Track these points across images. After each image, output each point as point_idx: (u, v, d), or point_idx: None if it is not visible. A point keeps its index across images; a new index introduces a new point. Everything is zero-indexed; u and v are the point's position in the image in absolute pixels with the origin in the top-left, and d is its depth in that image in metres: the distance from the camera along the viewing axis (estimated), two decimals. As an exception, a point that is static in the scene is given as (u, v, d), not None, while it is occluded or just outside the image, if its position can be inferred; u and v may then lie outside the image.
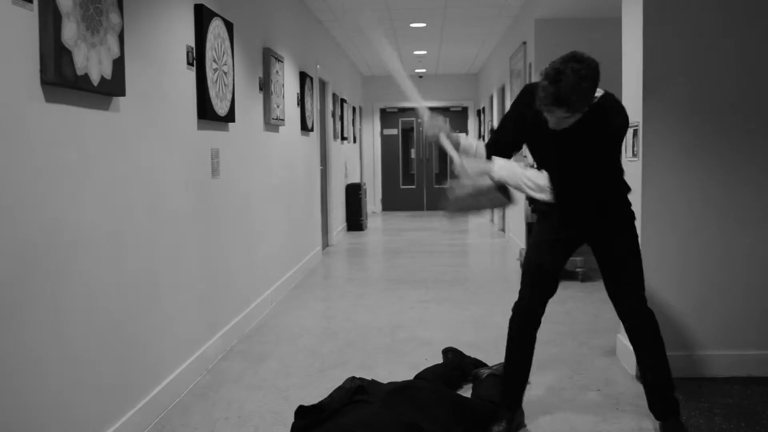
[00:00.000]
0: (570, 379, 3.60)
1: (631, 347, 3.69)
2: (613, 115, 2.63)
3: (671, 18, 3.53)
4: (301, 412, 2.81)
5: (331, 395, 2.89)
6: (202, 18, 3.79)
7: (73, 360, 2.49)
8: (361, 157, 13.42)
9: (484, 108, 12.20)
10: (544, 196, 2.72)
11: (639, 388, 3.44)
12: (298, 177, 6.73)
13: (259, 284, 5.07)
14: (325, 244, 8.69)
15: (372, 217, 13.11)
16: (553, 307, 5.25)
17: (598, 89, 2.58)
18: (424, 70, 13.34)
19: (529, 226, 6.16)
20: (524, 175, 2.74)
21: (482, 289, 5.99)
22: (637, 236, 2.87)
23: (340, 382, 3.25)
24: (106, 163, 2.74)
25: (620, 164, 2.82)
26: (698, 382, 3.50)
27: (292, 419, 3.06)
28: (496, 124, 10.11)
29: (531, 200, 2.99)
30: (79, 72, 2.44)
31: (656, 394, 2.88)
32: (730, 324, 3.61)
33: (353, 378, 2.94)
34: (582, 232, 2.90)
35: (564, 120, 2.56)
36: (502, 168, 2.75)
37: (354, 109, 12.06)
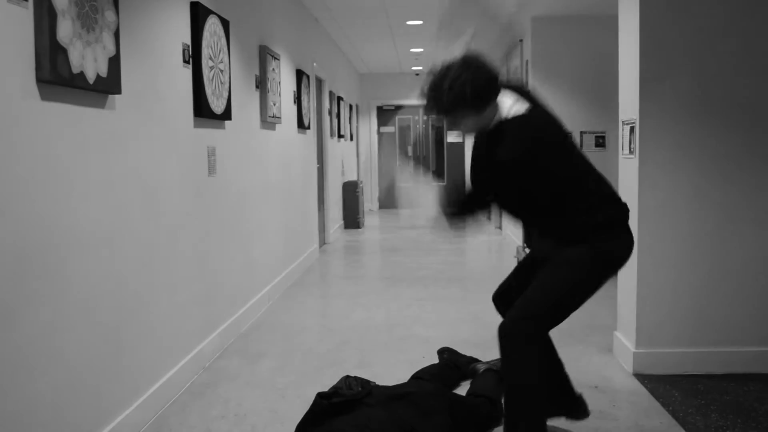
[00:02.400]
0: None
1: (628, 343, 3.71)
2: (504, 141, 2.38)
3: (668, 15, 3.53)
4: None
5: (336, 393, 2.82)
6: (198, 16, 3.78)
7: (70, 359, 2.48)
8: (358, 155, 13.41)
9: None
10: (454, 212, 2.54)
11: (636, 385, 3.45)
12: (295, 175, 6.72)
13: (255, 282, 5.07)
14: (322, 242, 8.69)
15: (369, 214, 13.11)
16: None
17: (517, 104, 2.42)
18: (420, 68, 13.33)
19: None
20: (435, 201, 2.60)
21: (479, 286, 5.99)
22: (572, 276, 2.48)
23: (337, 380, 3.25)
24: (102, 161, 2.74)
25: (556, 190, 2.47)
26: (695, 379, 3.51)
27: (289, 417, 3.07)
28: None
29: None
30: (75, 70, 2.43)
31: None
32: (727, 321, 3.61)
33: (347, 377, 2.92)
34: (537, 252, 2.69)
35: (452, 122, 2.46)
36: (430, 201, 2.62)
37: (351, 106, 12.05)
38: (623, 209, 2.58)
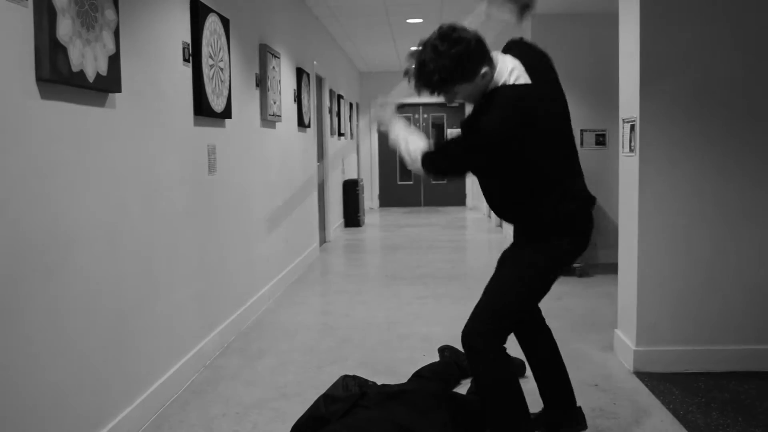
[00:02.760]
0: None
1: (628, 342, 3.72)
2: (490, 110, 2.30)
3: (668, 13, 3.53)
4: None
5: (333, 399, 2.80)
6: (198, 14, 3.78)
7: (71, 357, 2.48)
8: (358, 153, 13.41)
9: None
10: (415, 167, 2.48)
11: (637, 383, 3.46)
12: (295, 173, 6.72)
13: (256, 281, 5.07)
14: (323, 240, 8.69)
15: (369, 213, 13.11)
16: (550, 302, 5.26)
17: (516, 72, 2.34)
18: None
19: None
20: (406, 139, 2.53)
21: (480, 284, 5.95)
22: (524, 273, 2.49)
23: (337, 379, 3.25)
24: (103, 159, 2.74)
25: (528, 178, 2.40)
26: (695, 377, 3.51)
27: (290, 415, 3.07)
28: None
29: None
30: (75, 68, 2.43)
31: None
32: (727, 319, 3.61)
33: (346, 377, 2.92)
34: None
35: (446, 95, 2.38)
36: (398, 131, 2.59)
37: (351, 105, 12.05)
38: (586, 205, 2.53)
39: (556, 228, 2.45)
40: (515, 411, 2.43)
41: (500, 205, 2.59)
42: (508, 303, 2.50)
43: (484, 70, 2.31)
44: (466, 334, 2.50)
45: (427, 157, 2.45)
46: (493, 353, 2.44)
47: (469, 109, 2.65)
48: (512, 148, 2.31)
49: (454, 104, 2.47)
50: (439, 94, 2.36)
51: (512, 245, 2.66)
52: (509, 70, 2.35)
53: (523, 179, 2.42)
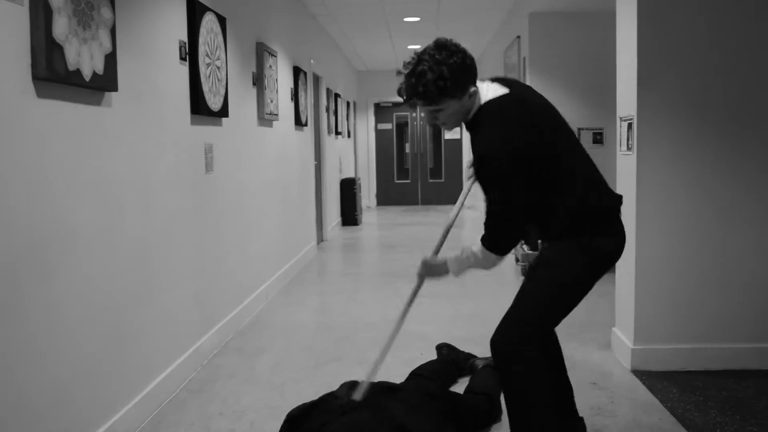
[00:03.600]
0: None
1: (626, 340, 3.72)
2: (479, 131, 2.30)
3: (665, 11, 3.53)
4: (290, 419, 2.72)
5: (333, 399, 2.77)
6: (195, 12, 3.77)
7: (69, 355, 2.48)
8: (355, 152, 13.41)
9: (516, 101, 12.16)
10: (491, 259, 2.43)
11: (634, 382, 3.46)
12: (293, 172, 6.71)
13: (253, 279, 5.06)
14: (320, 239, 8.68)
15: (367, 211, 13.10)
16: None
17: (495, 86, 2.36)
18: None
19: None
20: (462, 260, 2.56)
21: (477, 284, 5.99)
22: (556, 277, 2.35)
23: (335, 377, 3.25)
24: (99, 158, 2.73)
25: (537, 187, 2.31)
26: (693, 375, 3.51)
27: (287, 414, 3.06)
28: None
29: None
30: (71, 67, 2.42)
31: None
32: (725, 317, 3.62)
33: (346, 384, 2.90)
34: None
35: (431, 114, 2.35)
36: (457, 268, 2.61)
37: (348, 103, 12.04)
38: (614, 200, 2.42)
39: (592, 224, 2.33)
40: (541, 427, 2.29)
41: (545, 218, 2.39)
42: (543, 310, 2.36)
43: (472, 89, 2.30)
44: (496, 342, 2.37)
45: (487, 235, 2.37)
46: (524, 363, 2.31)
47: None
48: (528, 150, 2.26)
49: (435, 124, 2.37)
50: (430, 104, 2.29)
51: (543, 250, 2.48)
52: (486, 89, 2.36)
53: (552, 177, 2.32)
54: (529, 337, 2.34)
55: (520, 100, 2.35)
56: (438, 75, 2.22)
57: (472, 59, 2.29)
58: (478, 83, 2.36)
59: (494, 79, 2.44)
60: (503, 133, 2.26)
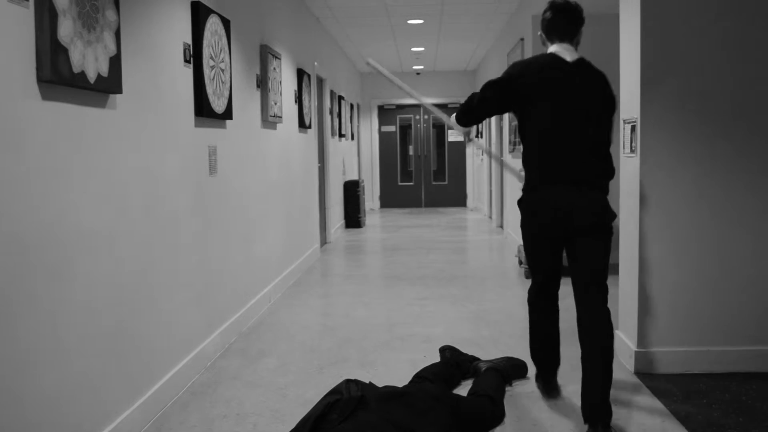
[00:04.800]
0: (568, 375, 3.59)
1: (629, 343, 3.71)
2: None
3: (669, 13, 3.53)
4: None
5: (327, 404, 2.76)
6: (199, 15, 3.78)
7: (71, 358, 2.48)
8: (359, 154, 13.42)
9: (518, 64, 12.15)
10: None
11: (637, 384, 3.45)
12: (296, 174, 6.72)
13: (257, 282, 5.07)
14: (323, 241, 8.69)
15: (370, 214, 13.11)
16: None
17: (556, 47, 3.06)
18: (421, 67, 13.33)
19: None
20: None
21: (480, 285, 5.99)
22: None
23: (338, 379, 3.25)
24: (103, 160, 2.74)
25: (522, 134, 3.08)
26: (696, 378, 3.51)
27: (291, 416, 3.07)
28: (498, 122, 10.10)
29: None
30: (76, 69, 2.43)
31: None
32: (728, 320, 3.61)
33: (348, 381, 2.90)
34: (569, 223, 2.88)
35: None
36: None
37: (352, 106, 12.05)
38: (548, 181, 2.92)
39: (530, 188, 3.05)
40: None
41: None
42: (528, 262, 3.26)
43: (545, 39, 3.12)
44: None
45: (458, 111, 3.23)
46: (528, 305, 3.34)
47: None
48: (510, 87, 3.04)
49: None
50: (579, 32, 3.05)
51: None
52: (555, 48, 3.04)
53: (523, 133, 3.10)
54: (533, 284, 3.26)
55: (536, 62, 3.02)
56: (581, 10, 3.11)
57: (547, 20, 3.05)
58: (556, 42, 3.04)
59: (570, 48, 3.03)
60: (512, 65, 3.08)
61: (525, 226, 3.08)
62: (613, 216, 2.92)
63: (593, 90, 2.93)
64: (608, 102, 2.96)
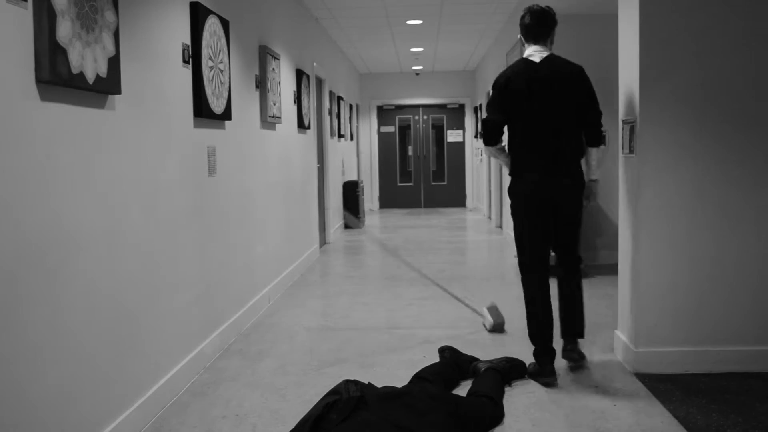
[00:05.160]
0: (567, 375, 3.60)
1: (628, 343, 3.71)
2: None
3: (668, 13, 3.53)
4: None
5: (327, 405, 2.77)
6: (198, 16, 3.78)
7: (71, 358, 2.48)
8: (358, 155, 13.42)
9: (481, 105, 12.20)
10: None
11: (637, 385, 3.45)
12: (295, 175, 6.72)
13: (256, 282, 5.07)
14: (323, 241, 8.69)
15: (369, 214, 13.11)
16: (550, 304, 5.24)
17: (531, 50, 3.76)
18: (420, 68, 13.34)
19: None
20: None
21: (480, 286, 5.99)
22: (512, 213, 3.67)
23: (338, 380, 3.24)
24: (102, 161, 2.74)
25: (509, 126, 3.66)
26: (695, 378, 3.51)
27: (290, 417, 3.07)
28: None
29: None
30: (74, 70, 2.43)
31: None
32: (727, 320, 3.61)
33: (348, 381, 2.90)
34: (549, 201, 3.52)
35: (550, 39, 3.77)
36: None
37: (351, 106, 12.05)
38: (530, 168, 3.52)
39: (516, 172, 3.64)
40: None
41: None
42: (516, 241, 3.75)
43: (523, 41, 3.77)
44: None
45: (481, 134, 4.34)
46: (522, 281, 3.68)
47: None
48: (505, 92, 3.66)
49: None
50: (552, 33, 3.76)
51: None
52: (530, 49, 3.76)
53: (512, 126, 3.68)
54: (519, 264, 3.72)
55: (512, 71, 3.61)
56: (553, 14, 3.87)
57: (524, 24, 3.72)
58: (531, 44, 3.71)
59: (542, 48, 3.68)
60: (495, 81, 3.66)
61: (515, 206, 3.66)
62: (581, 194, 3.61)
63: (560, 82, 3.51)
64: (577, 88, 3.55)
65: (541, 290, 3.56)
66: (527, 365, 3.59)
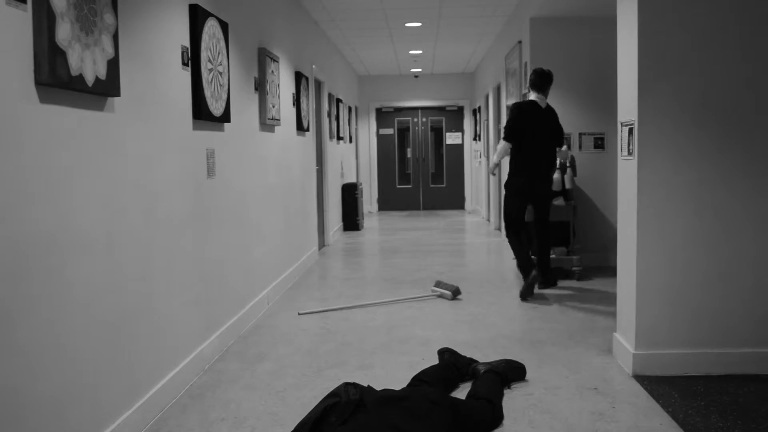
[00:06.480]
0: (566, 378, 3.60)
1: (627, 345, 3.72)
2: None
3: (667, 16, 3.54)
4: None
5: (326, 408, 2.76)
6: (197, 18, 3.78)
7: (69, 361, 2.48)
8: (357, 157, 13.42)
9: (479, 107, 12.21)
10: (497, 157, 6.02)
11: (636, 387, 3.45)
12: (294, 177, 6.72)
13: (255, 285, 5.07)
14: (322, 244, 8.69)
15: (368, 216, 13.11)
16: (549, 305, 5.25)
17: (532, 95, 5.80)
18: (419, 70, 13.34)
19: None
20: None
21: (479, 288, 5.99)
22: (504, 196, 5.86)
23: (337, 382, 3.25)
24: (101, 163, 2.74)
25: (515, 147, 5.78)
26: (695, 380, 3.51)
27: (289, 419, 3.06)
28: (496, 125, 10.18)
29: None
30: (74, 72, 2.43)
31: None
32: (727, 322, 3.62)
33: (347, 384, 2.89)
34: (531, 192, 5.73)
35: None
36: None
37: (350, 108, 12.06)
38: (523, 172, 5.70)
39: (513, 174, 5.81)
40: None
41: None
42: (503, 210, 5.96)
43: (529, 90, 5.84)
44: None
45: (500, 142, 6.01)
46: (508, 237, 5.82)
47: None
48: (514, 125, 5.77)
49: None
50: (548, 87, 5.76)
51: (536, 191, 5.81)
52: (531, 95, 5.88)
53: (516, 146, 5.82)
54: (505, 224, 5.83)
55: (524, 107, 5.74)
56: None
57: (531, 80, 5.81)
58: (534, 92, 5.77)
59: (542, 96, 5.75)
60: (511, 111, 5.84)
61: (508, 193, 5.84)
62: (551, 188, 5.85)
63: (550, 123, 5.70)
64: (556, 127, 5.74)
65: (520, 239, 5.66)
66: (519, 369, 3.60)
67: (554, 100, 6.85)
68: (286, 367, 3.86)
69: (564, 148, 6.07)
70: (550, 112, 5.69)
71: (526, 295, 5.41)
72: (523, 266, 5.60)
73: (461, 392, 3.36)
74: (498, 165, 6.01)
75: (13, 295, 2.17)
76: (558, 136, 5.77)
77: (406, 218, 12.82)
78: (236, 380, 3.66)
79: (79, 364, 2.55)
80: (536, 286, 5.67)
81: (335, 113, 9.96)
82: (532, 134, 5.58)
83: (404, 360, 3.94)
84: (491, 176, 6.49)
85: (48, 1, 2.28)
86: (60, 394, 2.42)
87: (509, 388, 3.44)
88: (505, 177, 6.21)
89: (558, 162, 6.15)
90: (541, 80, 5.67)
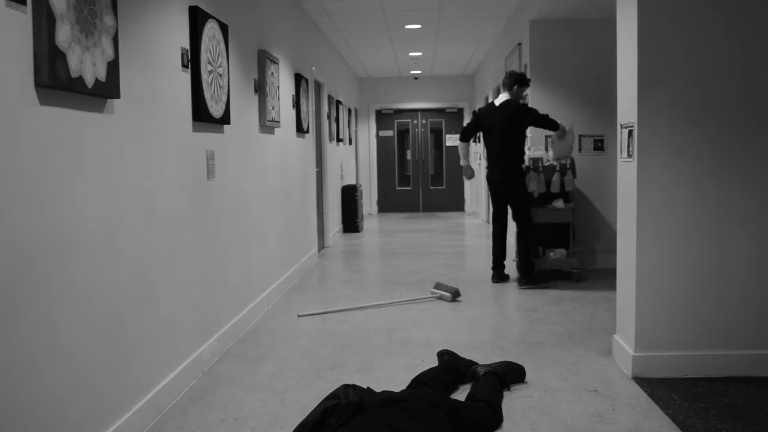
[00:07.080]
0: (566, 380, 3.60)
1: (627, 347, 3.72)
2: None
3: (666, 18, 3.54)
4: None
5: (326, 410, 2.76)
6: (197, 20, 3.78)
7: (68, 363, 2.48)
8: (356, 159, 13.42)
9: (479, 109, 12.21)
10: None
11: (636, 389, 3.45)
12: (294, 179, 6.72)
13: (255, 286, 5.06)
14: (321, 246, 8.68)
15: (368, 218, 13.11)
16: (548, 307, 5.25)
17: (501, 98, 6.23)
18: (419, 72, 13.35)
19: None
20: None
21: (478, 290, 5.99)
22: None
23: (336, 384, 3.24)
24: (101, 165, 2.74)
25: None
26: (694, 382, 3.51)
27: (288, 421, 3.06)
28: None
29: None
30: (74, 74, 2.43)
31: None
32: (726, 324, 3.62)
33: (347, 386, 2.89)
34: (496, 184, 6.23)
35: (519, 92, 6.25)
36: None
37: (349, 110, 12.06)
38: (488, 167, 6.26)
39: (489, 168, 6.40)
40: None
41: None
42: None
43: (516, 87, 6.19)
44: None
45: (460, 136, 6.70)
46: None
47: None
48: (476, 121, 6.46)
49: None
50: (513, 86, 6.13)
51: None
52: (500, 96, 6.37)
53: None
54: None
55: (481, 109, 6.42)
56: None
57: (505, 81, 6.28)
58: (503, 92, 6.20)
59: (502, 96, 6.18)
60: (473, 114, 7.37)
61: (488, 186, 6.42)
62: (519, 184, 6.14)
63: (506, 117, 5.99)
64: (515, 121, 5.98)
65: (494, 233, 6.42)
66: (519, 371, 3.59)
67: (554, 101, 6.86)
68: (285, 369, 3.86)
69: (562, 128, 6.02)
70: (506, 108, 6.01)
71: (493, 280, 6.35)
72: (495, 263, 6.38)
73: (461, 394, 3.36)
74: (469, 167, 6.53)
75: (14, 295, 2.17)
76: (541, 124, 6.01)
77: (405, 220, 12.82)
78: (236, 382, 3.66)
79: (78, 366, 2.55)
80: (520, 286, 6.06)
81: (335, 115, 9.96)
82: (488, 131, 6.15)
83: (404, 362, 3.94)
84: (467, 180, 7.71)
85: (48, 3, 2.28)
86: (58, 396, 2.42)
87: (509, 389, 3.44)
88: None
89: (553, 144, 6.30)
90: (508, 80, 6.13)
